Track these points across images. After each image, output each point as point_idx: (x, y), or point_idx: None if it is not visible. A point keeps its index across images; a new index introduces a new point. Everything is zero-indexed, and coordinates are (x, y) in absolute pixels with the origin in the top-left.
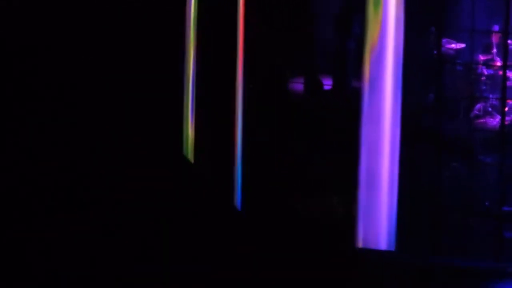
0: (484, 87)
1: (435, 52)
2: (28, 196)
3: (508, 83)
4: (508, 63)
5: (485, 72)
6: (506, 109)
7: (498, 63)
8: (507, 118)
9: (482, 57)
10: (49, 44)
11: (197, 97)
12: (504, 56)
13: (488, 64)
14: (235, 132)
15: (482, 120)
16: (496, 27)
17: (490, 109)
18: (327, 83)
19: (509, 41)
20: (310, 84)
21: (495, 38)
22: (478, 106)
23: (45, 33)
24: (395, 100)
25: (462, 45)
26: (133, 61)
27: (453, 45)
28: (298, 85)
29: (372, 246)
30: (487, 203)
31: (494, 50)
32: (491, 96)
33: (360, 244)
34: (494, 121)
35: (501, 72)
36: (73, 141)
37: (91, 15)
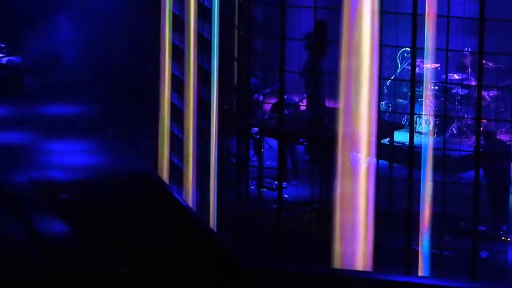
0: (459, 107)
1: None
2: None
3: (483, 103)
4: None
5: (460, 91)
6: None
7: (473, 83)
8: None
9: (457, 77)
10: None
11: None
12: (478, 76)
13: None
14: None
15: (457, 140)
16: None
17: (465, 129)
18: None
19: (483, 61)
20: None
21: (470, 58)
22: (453, 125)
23: None
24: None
25: (437, 65)
26: None
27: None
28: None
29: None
30: (462, 223)
31: (469, 70)
32: (466, 115)
33: None
34: (470, 141)
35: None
36: None
37: None
